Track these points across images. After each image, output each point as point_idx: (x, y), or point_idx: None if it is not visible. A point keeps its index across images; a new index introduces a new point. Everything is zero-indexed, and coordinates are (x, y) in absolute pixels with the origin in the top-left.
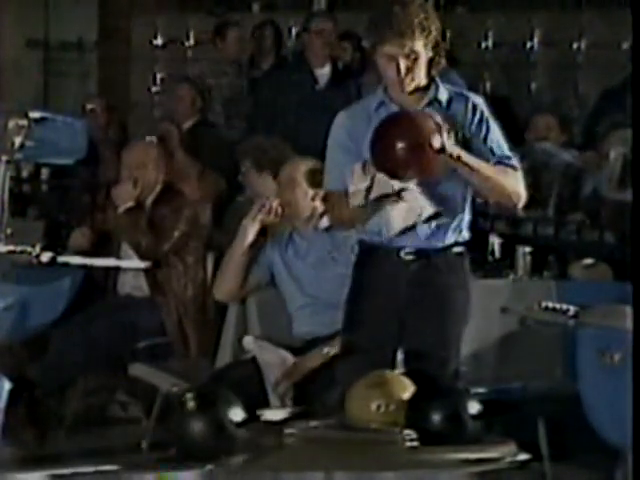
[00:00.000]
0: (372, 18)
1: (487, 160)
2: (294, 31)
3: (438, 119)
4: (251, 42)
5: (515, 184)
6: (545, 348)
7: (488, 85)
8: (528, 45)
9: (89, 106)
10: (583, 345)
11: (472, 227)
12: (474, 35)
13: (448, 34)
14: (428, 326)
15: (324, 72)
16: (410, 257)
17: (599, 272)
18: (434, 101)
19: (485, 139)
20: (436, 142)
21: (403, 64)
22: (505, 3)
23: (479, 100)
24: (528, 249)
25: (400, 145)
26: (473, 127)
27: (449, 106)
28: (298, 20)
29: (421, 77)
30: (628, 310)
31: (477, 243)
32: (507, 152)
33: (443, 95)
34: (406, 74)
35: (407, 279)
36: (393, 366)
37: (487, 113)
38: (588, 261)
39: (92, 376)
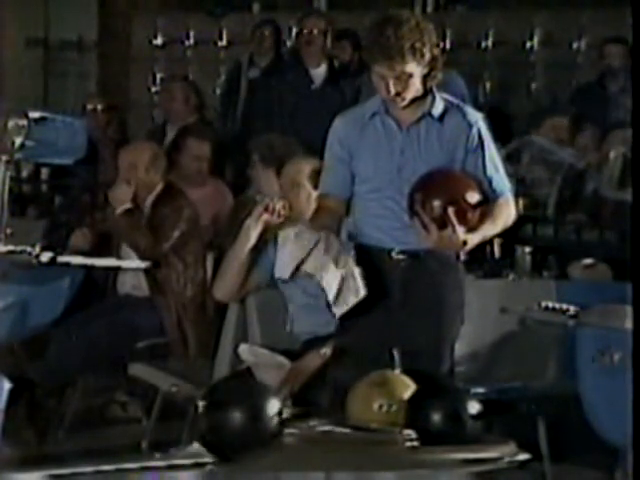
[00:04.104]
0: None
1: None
2: (294, 31)
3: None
4: (251, 42)
5: (510, 215)
6: (545, 348)
7: (488, 85)
8: (528, 45)
9: (89, 106)
10: (583, 345)
11: None
12: (474, 34)
13: (448, 33)
14: (421, 326)
15: (320, 72)
16: (402, 257)
17: (599, 272)
18: (428, 115)
19: (484, 168)
20: (471, 198)
21: (392, 86)
22: (505, 2)
23: (476, 117)
24: (528, 249)
25: (436, 203)
26: (469, 145)
27: (443, 119)
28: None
29: (415, 91)
30: (628, 310)
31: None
32: (505, 182)
33: (438, 108)
34: (397, 94)
35: (399, 279)
36: (388, 366)
37: (485, 133)
38: (588, 261)
39: (92, 376)
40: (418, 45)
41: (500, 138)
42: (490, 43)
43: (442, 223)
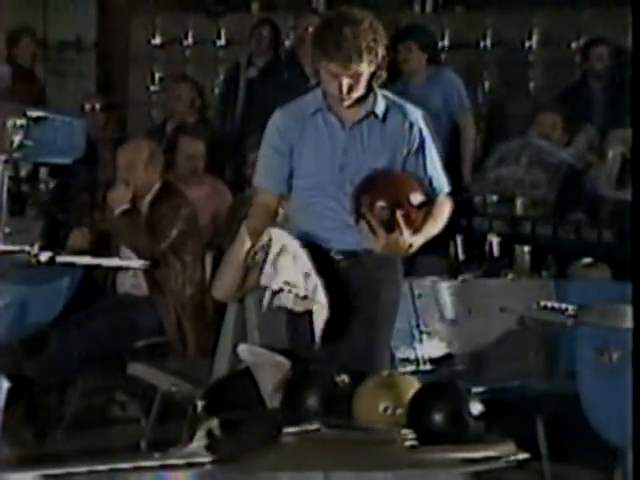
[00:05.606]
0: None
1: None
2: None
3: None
4: (249, 41)
5: (447, 213)
6: (544, 347)
7: (486, 85)
8: (527, 45)
9: (87, 105)
10: (582, 344)
11: (470, 227)
12: (472, 35)
13: (447, 33)
14: (359, 324)
15: None
16: (340, 257)
17: (598, 271)
18: (371, 114)
19: (424, 167)
20: (414, 199)
21: (346, 84)
22: (503, 3)
23: (417, 115)
24: (527, 248)
25: (380, 204)
26: (411, 145)
27: (385, 119)
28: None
29: (361, 90)
30: (627, 309)
31: (475, 242)
32: (443, 180)
33: (380, 107)
34: (347, 92)
35: (338, 278)
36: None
37: (425, 131)
38: (587, 260)
39: (91, 375)
40: (372, 44)
41: (499, 138)
42: (489, 43)
43: (389, 227)
